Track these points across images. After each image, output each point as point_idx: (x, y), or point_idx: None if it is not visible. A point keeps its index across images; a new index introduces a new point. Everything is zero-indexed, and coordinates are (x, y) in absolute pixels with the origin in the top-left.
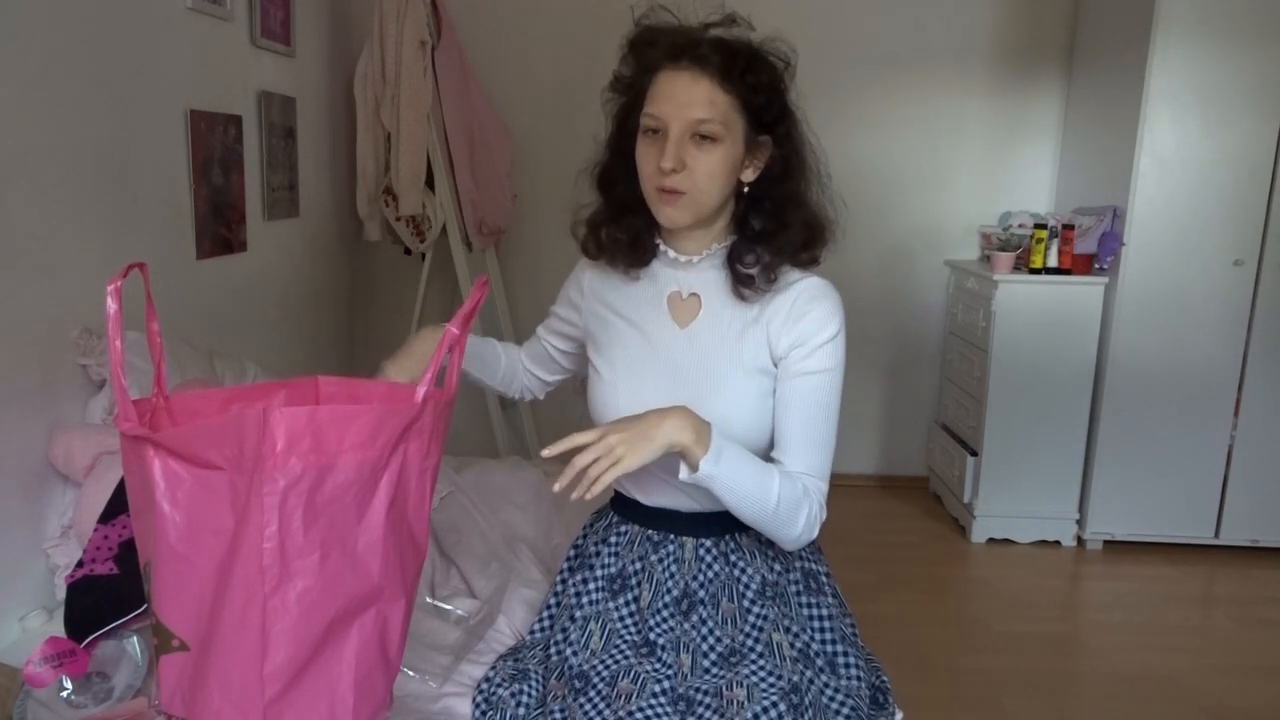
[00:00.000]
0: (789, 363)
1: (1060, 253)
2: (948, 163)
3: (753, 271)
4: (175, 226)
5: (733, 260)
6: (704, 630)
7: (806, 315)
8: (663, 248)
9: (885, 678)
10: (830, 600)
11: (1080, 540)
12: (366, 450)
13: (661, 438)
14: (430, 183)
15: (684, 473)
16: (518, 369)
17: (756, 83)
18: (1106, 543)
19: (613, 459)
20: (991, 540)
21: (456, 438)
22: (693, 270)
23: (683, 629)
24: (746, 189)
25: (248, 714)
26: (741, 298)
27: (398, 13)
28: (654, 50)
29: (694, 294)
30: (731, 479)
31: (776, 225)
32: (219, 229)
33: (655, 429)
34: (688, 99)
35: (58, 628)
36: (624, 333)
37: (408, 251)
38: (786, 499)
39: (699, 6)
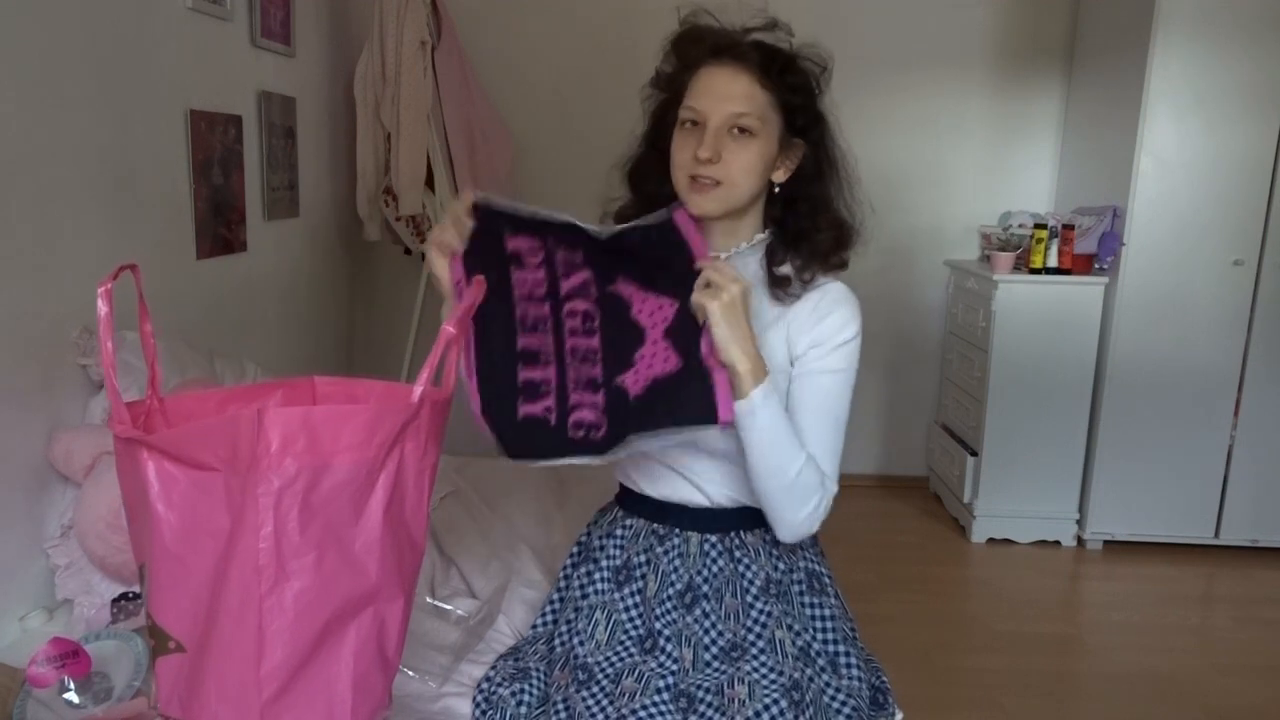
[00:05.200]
0: (806, 361)
1: (1060, 253)
2: (948, 163)
3: (788, 273)
4: (175, 226)
5: (770, 261)
6: (706, 624)
7: (829, 316)
8: None
9: (885, 678)
10: (833, 601)
11: (1080, 540)
12: (362, 450)
13: (746, 336)
14: (430, 183)
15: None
16: None
17: (794, 84)
18: (1106, 543)
19: (717, 291)
20: (991, 540)
21: (456, 438)
22: None
23: (685, 622)
24: (777, 189)
25: (245, 715)
26: (777, 299)
27: (398, 13)
28: (697, 48)
29: None
30: (771, 424)
31: (810, 228)
32: (219, 229)
33: (746, 329)
34: (727, 93)
35: (58, 627)
36: None
37: (408, 251)
38: (807, 476)
39: (741, 11)
